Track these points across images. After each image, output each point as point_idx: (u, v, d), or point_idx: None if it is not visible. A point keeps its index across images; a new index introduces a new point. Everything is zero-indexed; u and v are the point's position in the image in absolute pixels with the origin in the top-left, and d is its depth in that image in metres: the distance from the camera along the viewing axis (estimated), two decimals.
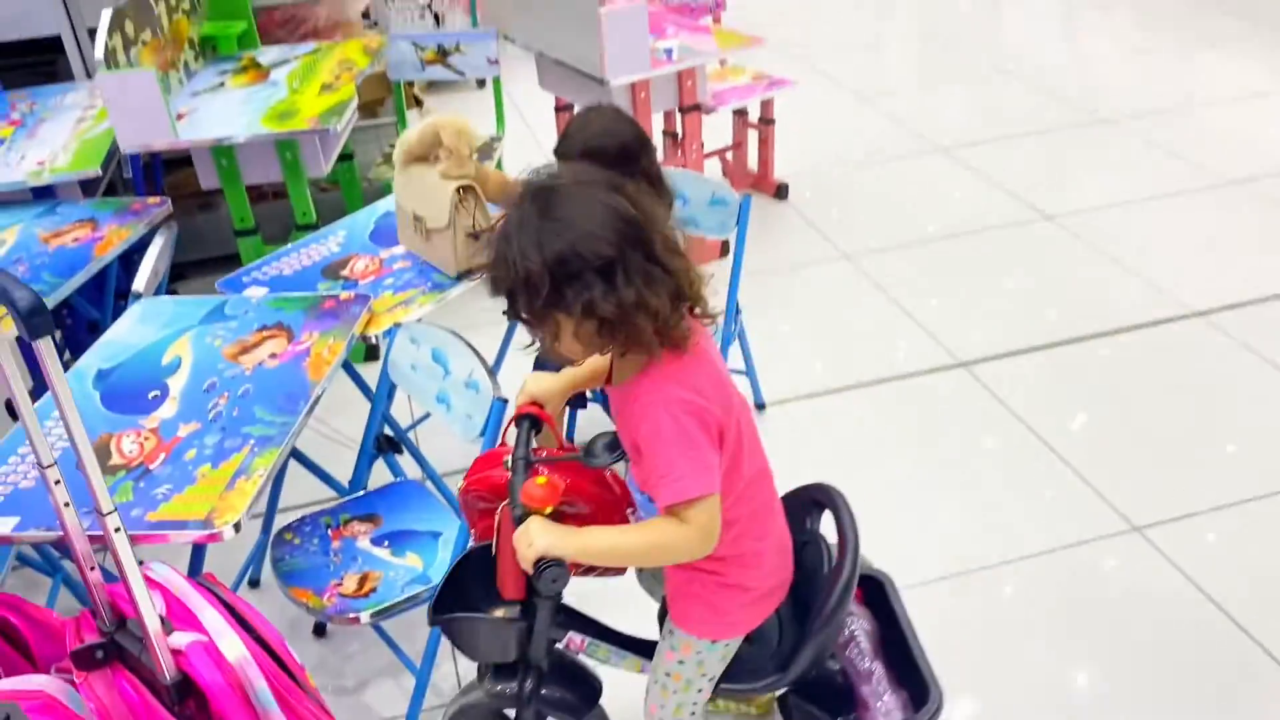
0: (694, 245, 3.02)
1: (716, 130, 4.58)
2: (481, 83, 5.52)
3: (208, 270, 3.68)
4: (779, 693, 1.76)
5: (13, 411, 2.68)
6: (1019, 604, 2.32)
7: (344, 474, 2.42)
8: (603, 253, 1.30)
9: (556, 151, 2.17)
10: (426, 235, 2.41)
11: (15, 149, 2.94)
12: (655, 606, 1.81)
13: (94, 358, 2.11)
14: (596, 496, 1.65)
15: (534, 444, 1.70)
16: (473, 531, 1.84)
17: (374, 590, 1.98)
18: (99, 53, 2.73)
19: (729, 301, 2.67)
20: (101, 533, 1.58)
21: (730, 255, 2.68)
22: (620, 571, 1.73)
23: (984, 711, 2.10)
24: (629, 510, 1.71)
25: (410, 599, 1.96)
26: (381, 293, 2.35)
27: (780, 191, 4.16)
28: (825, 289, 3.60)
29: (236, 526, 1.67)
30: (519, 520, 1.50)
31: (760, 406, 2.96)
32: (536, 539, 1.43)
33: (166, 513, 1.69)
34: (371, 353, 3.22)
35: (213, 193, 3.60)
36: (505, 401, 1.93)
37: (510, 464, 1.62)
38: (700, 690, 1.66)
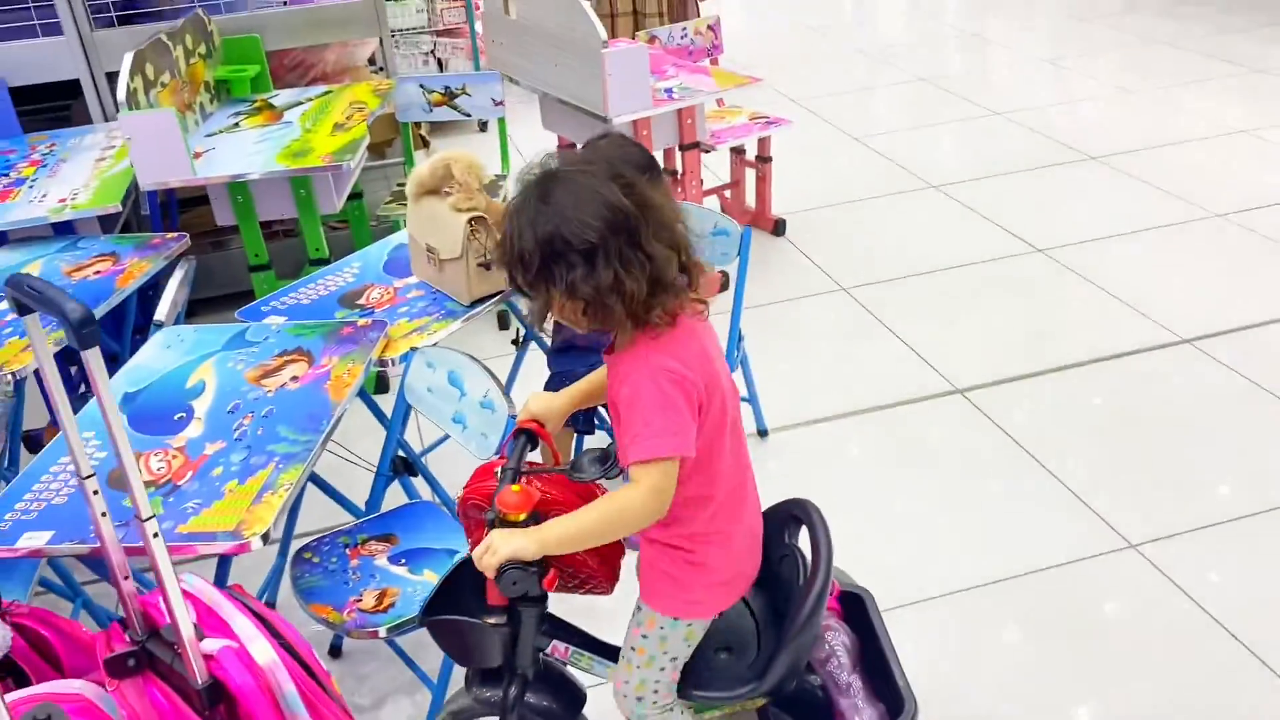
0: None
1: (714, 169, 4.71)
2: (483, 125, 5.66)
3: (218, 307, 3.75)
4: (759, 704, 1.81)
5: (30, 444, 2.76)
6: (1020, 620, 2.38)
7: (358, 497, 2.48)
8: (586, 237, 1.43)
9: None
10: (439, 265, 2.49)
11: (37, 187, 3.03)
12: None
13: (121, 382, 2.18)
14: None
15: (529, 458, 1.77)
16: (470, 540, 1.90)
17: (392, 605, 2.04)
18: (121, 94, 2.83)
19: (732, 329, 2.75)
20: (134, 544, 1.65)
21: (732, 286, 2.76)
22: (608, 589, 1.77)
23: None
24: None
25: None
26: (397, 320, 2.42)
27: (778, 227, 4.26)
28: (824, 320, 3.68)
29: (265, 537, 1.73)
30: (490, 526, 1.56)
31: (763, 433, 3.03)
32: (500, 546, 1.50)
33: (196, 525, 1.76)
34: (381, 384, 3.29)
35: (223, 231, 3.71)
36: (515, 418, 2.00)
37: (500, 475, 1.69)
38: (663, 669, 1.70)
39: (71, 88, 3.65)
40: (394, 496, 2.44)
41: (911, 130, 5.38)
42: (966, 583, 2.47)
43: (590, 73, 3.25)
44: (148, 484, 1.86)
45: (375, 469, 2.39)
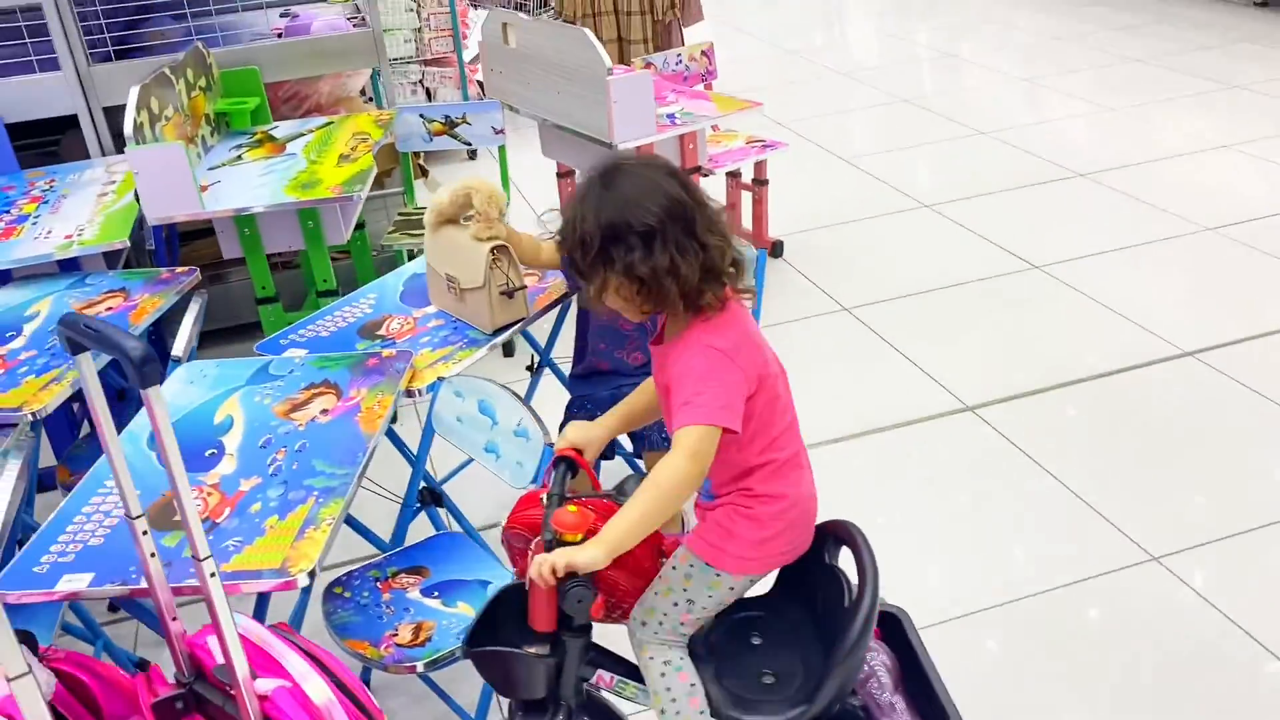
0: None
1: (711, 192, 4.72)
2: (472, 153, 5.66)
3: (219, 341, 3.73)
4: None
5: (44, 483, 2.71)
6: (1046, 637, 2.38)
7: (376, 528, 2.45)
8: (646, 221, 1.53)
9: None
10: (460, 294, 2.49)
11: (40, 224, 2.99)
12: None
13: (146, 420, 2.15)
14: None
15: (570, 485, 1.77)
16: (514, 571, 1.89)
17: (429, 639, 2.01)
18: (128, 128, 2.80)
19: None
20: (186, 583, 1.63)
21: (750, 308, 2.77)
22: None
23: None
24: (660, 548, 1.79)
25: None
26: (420, 350, 2.41)
27: (776, 249, 4.28)
28: (829, 340, 3.70)
29: (311, 574, 1.71)
30: (548, 547, 1.56)
31: None
32: (572, 558, 1.50)
33: (239, 563, 1.73)
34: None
35: (223, 265, 3.68)
36: (553, 447, 1.99)
37: (545, 500, 1.69)
38: (675, 605, 1.70)
39: (59, 123, 3.62)
40: (415, 527, 2.42)
41: (900, 151, 5.44)
42: (992, 601, 2.48)
43: (595, 99, 3.26)
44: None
45: (400, 500, 2.37)
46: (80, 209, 3.07)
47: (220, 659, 1.52)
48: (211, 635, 1.61)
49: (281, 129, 3.56)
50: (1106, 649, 2.33)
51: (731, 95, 3.79)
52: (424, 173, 4.49)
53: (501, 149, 3.81)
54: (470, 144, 3.81)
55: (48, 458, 2.83)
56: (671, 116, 3.46)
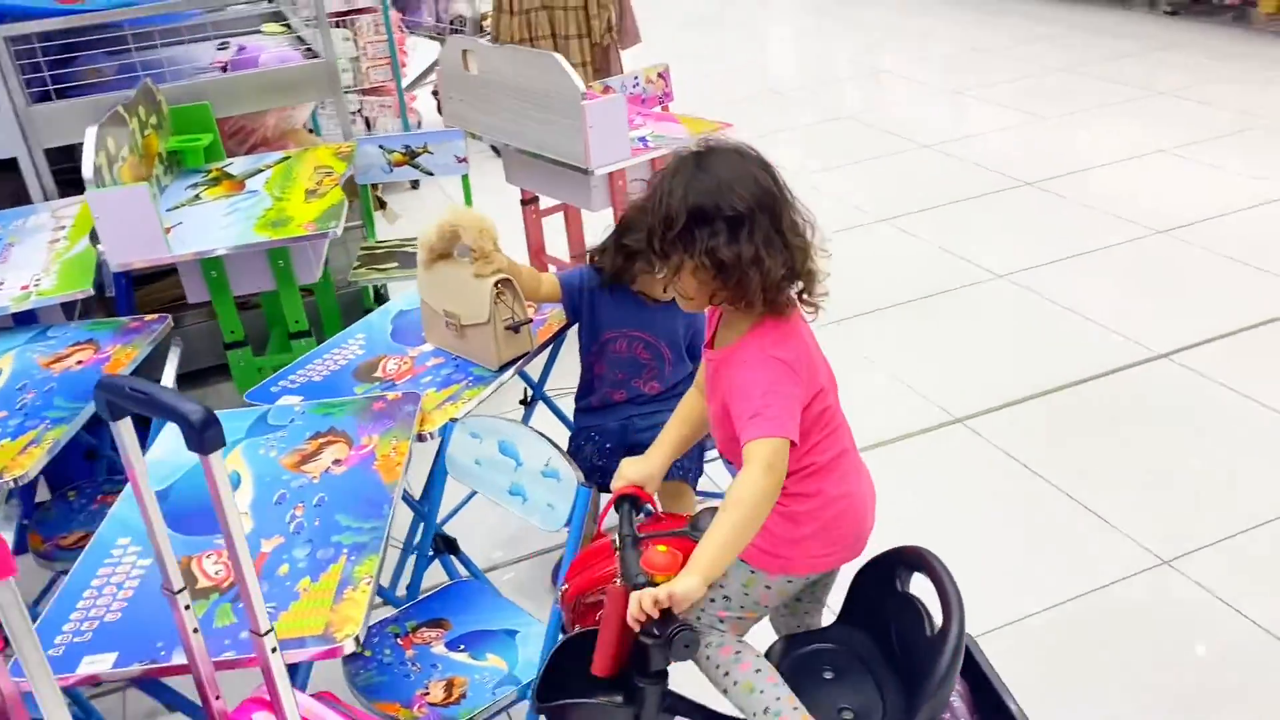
0: None
1: None
2: (414, 183, 5.54)
3: (180, 386, 3.55)
4: None
5: (21, 545, 2.53)
6: (1065, 650, 2.37)
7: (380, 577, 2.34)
8: (736, 206, 1.51)
9: (622, 243, 2.26)
10: (460, 331, 2.40)
11: None
12: None
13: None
14: None
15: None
16: (578, 627, 1.81)
17: (464, 696, 1.92)
18: (88, 171, 2.65)
19: None
20: (224, 656, 1.52)
21: None
22: None
23: None
24: None
25: (503, 701, 1.90)
26: (424, 390, 2.31)
27: None
28: None
29: (358, 639, 1.60)
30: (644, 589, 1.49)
31: None
32: (661, 594, 1.43)
33: (279, 631, 1.61)
34: None
35: (180, 308, 3.51)
36: (590, 488, 1.92)
37: (619, 543, 1.62)
38: (712, 601, 1.68)
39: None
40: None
41: (848, 166, 5.47)
42: (1009, 617, 2.46)
43: (568, 124, 3.19)
44: (208, 590, 1.71)
45: (400, 546, 2.27)
46: (32, 257, 2.90)
47: None
48: (259, 712, 1.50)
49: (237, 165, 3.41)
50: (1132, 661, 2.32)
51: (699, 116, 3.76)
52: (382, 204, 4.36)
53: (464, 178, 3.71)
54: (432, 173, 3.72)
55: None
56: (643, 139, 3.41)
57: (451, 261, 2.42)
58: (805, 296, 1.65)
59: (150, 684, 1.88)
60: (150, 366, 2.64)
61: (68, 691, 2.20)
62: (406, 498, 2.38)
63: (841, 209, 4.89)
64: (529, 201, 3.94)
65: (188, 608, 1.42)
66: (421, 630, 2.09)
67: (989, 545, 2.70)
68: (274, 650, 1.34)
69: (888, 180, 5.27)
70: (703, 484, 2.58)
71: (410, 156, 3.65)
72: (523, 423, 2.90)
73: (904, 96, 6.77)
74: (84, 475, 2.68)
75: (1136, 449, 3.02)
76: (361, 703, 1.92)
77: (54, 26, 3.31)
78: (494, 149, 5.41)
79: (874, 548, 1.78)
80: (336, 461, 2.03)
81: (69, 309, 2.91)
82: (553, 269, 3.66)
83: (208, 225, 2.97)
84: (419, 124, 5.91)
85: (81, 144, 2.68)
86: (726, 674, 1.66)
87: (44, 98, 3.39)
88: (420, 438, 2.16)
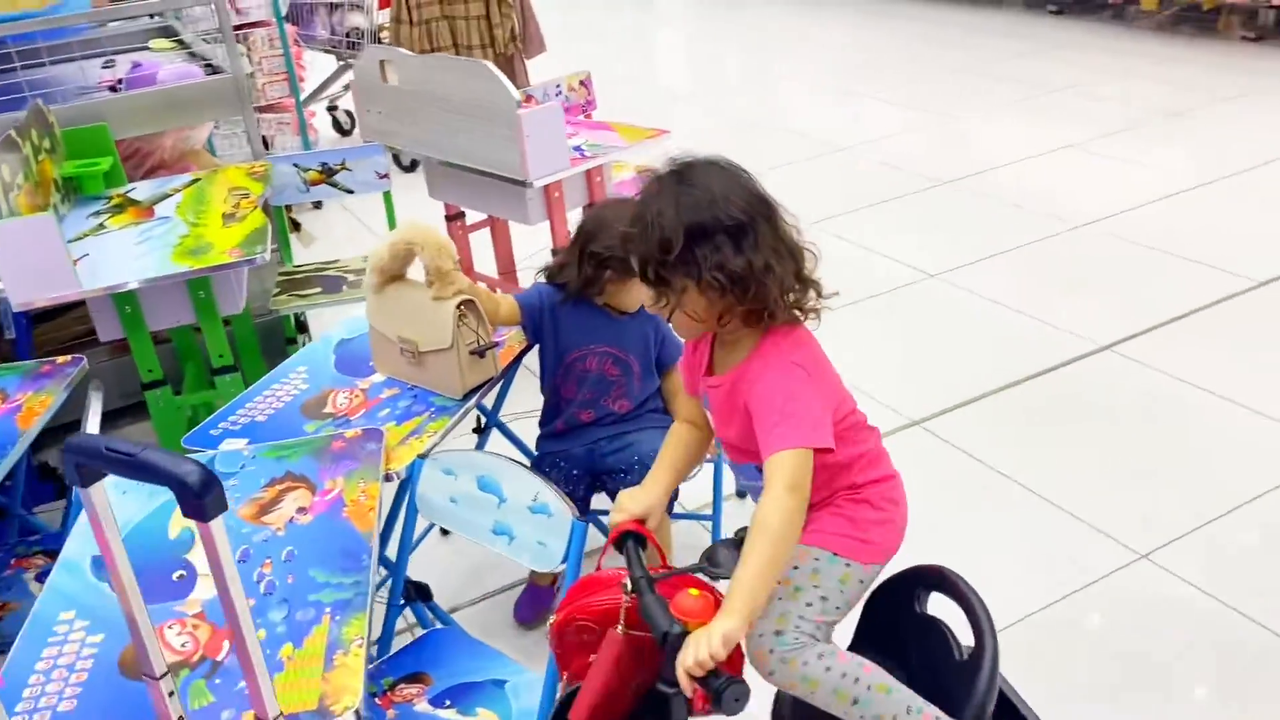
0: None
1: None
2: (318, 204, 5.29)
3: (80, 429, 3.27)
4: None
5: None
6: (1052, 655, 2.32)
7: None
8: (735, 215, 1.43)
9: (590, 252, 2.12)
10: (418, 358, 2.23)
11: None
12: None
13: (81, 545, 1.79)
14: None
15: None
16: (564, 674, 1.67)
17: None
18: None
19: None
20: None
21: None
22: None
23: None
24: None
25: None
26: (383, 425, 2.13)
27: None
28: None
29: (358, 713, 1.43)
30: (666, 640, 1.37)
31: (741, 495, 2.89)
32: (716, 643, 1.30)
33: None
34: None
35: (83, 346, 3.23)
36: (585, 522, 1.78)
37: (632, 586, 1.49)
38: (809, 604, 1.57)
39: None
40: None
41: (765, 172, 5.34)
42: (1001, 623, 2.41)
43: (501, 135, 3.04)
44: (178, 665, 1.52)
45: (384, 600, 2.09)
46: None
47: None
48: None
49: (141, 190, 3.16)
50: (1121, 657, 2.29)
51: (634, 124, 3.65)
52: (296, 226, 4.13)
53: (387, 195, 3.53)
54: (352, 190, 3.52)
55: None
56: (579, 149, 3.28)
57: (405, 283, 2.25)
58: (810, 304, 1.59)
59: None
60: (63, 414, 2.39)
61: None
62: None
63: None
64: (454, 217, 3.77)
65: (172, 694, 1.23)
66: (400, 687, 1.92)
67: (955, 551, 2.62)
68: None
69: (806, 184, 5.24)
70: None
71: (328, 174, 3.45)
72: (477, 450, 2.76)
73: (806, 101, 6.80)
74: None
75: (1096, 443, 3.01)
76: None
77: None
78: (399, 163, 5.21)
79: None
80: (301, 510, 1.84)
81: None
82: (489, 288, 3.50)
83: (118, 256, 2.72)
84: (317, 141, 5.66)
85: None
86: (856, 680, 1.54)
87: None
88: (388, 477, 1.99)
